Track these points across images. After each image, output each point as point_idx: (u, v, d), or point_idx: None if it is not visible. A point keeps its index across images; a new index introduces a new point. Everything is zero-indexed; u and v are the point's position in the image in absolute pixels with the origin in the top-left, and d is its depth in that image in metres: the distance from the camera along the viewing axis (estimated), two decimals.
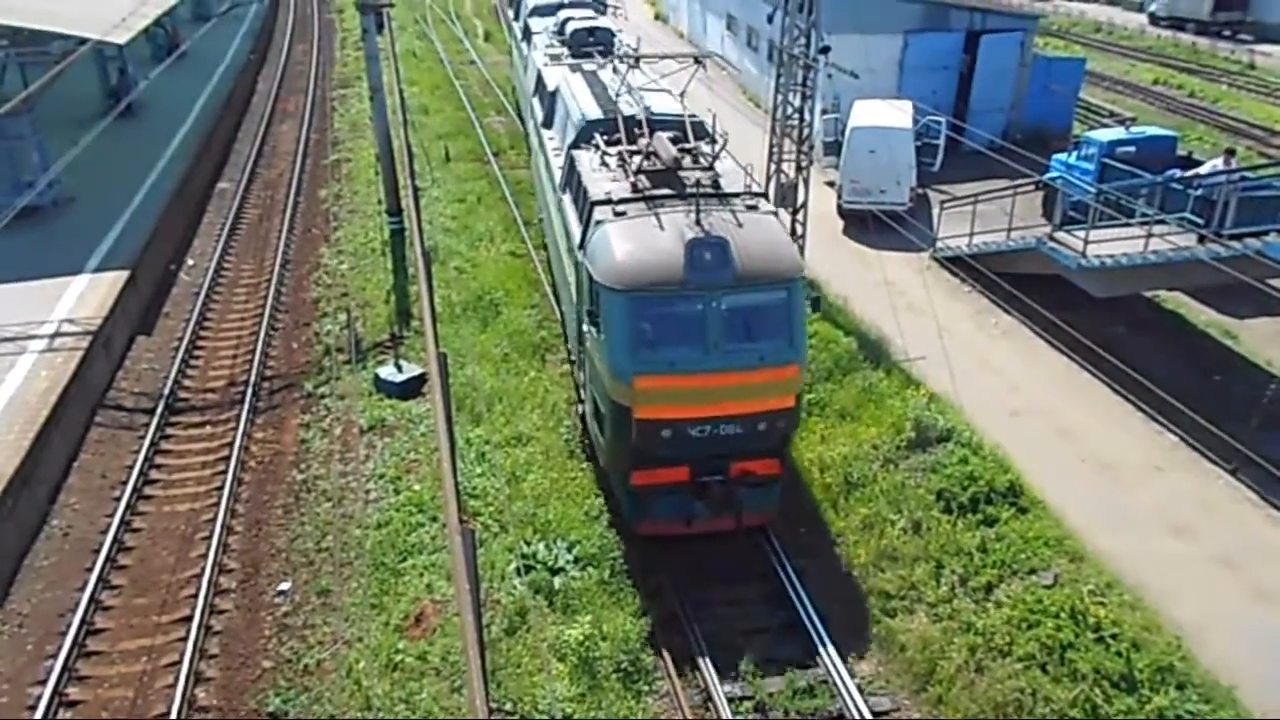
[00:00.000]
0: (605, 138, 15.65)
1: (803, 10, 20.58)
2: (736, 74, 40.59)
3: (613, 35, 23.68)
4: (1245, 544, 13.70)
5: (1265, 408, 15.51)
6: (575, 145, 16.01)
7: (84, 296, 18.98)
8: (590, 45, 23.02)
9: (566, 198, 15.62)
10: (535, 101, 22.21)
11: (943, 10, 30.35)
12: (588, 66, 20.47)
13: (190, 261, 23.42)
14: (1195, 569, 13.15)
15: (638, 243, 12.43)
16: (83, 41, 23.75)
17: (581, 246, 13.46)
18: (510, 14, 38.41)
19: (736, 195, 13.56)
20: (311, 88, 39.54)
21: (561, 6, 29.29)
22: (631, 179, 13.86)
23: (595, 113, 16.66)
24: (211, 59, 39.69)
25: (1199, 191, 17.48)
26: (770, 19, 22.32)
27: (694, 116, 16.31)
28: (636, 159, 14.46)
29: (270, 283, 21.84)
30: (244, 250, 24.42)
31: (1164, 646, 11.41)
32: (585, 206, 13.67)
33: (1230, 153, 19.42)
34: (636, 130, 15.37)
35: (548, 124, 19.68)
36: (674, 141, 14.88)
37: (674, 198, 13.30)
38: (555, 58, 22.49)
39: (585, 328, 13.44)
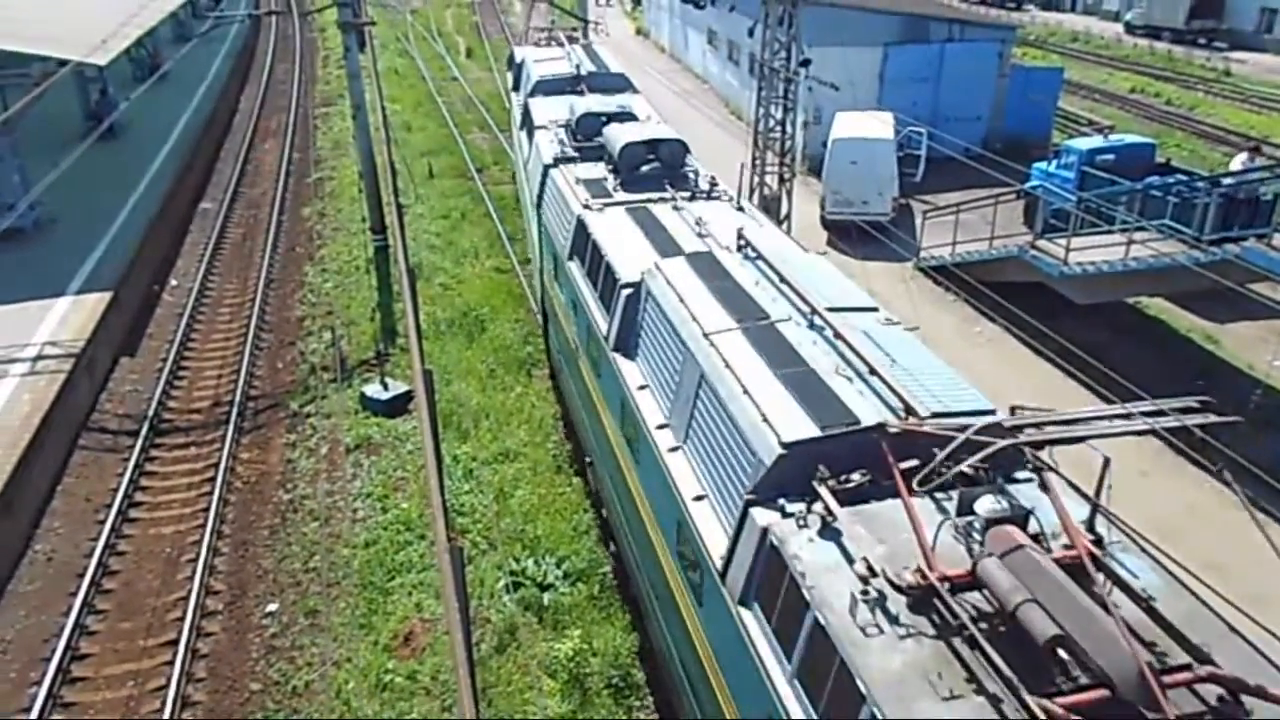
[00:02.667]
0: (837, 480, 7.11)
1: (783, 24, 20.75)
2: (719, 88, 40.80)
3: (686, 151, 15.39)
4: (1232, 547, 13.76)
5: (1251, 412, 15.62)
6: (761, 496, 7.42)
7: (66, 319, 18.85)
8: (651, 164, 15.09)
9: (762, 634, 7.13)
10: (575, 271, 13.44)
11: (921, 22, 30.65)
12: (685, 239, 12.24)
13: (174, 282, 23.31)
14: (1183, 574, 13.19)
15: None
16: (63, 63, 23.67)
17: None
18: (509, 80, 28.15)
19: None
20: (294, 106, 39.51)
21: (578, 80, 21.41)
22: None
23: (803, 425, 7.64)
24: (193, 79, 39.61)
25: (1226, 190, 17.29)
26: (751, 33, 22.49)
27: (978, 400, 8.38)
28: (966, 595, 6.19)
29: (254, 302, 21.75)
30: (228, 269, 24.33)
31: None
32: None
33: (1256, 150, 19.24)
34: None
35: (624, 348, 11.22)
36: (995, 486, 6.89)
37: None
38: (594, 186, 14.44)
39: None
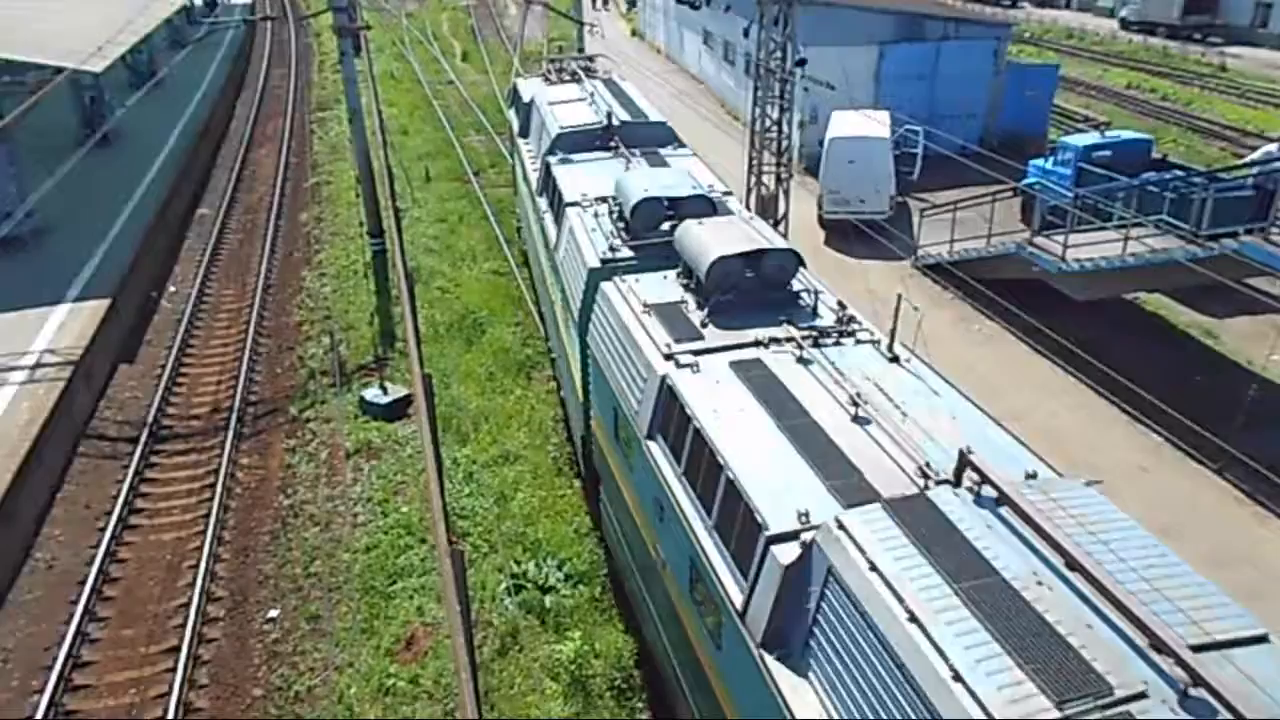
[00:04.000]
0: None
1: (778, 24, 20.74)
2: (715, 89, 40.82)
3: (799, 263, 11.12)
4: (1233, 543, 13.79)
5: (1249, 407, 15.63)
6: None
7: (64, 326, 18.84)
8: (748, 280, 10.81)
9: None
10: (662, 463, 9.38)
11: (917, 21, 30.68)
12: (845, 435, 8.23)
13: (171, 288, 23.29)
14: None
15: None
16: (58, 70, 23.69)
17: None
18: (513, 122, 23.48)
19: None
20: (290, 111, 39.51)
21: (610, 132, 17.07)
22: None
23: None
24: (189, 85, 39.61)
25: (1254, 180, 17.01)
26: (746, 33, 22.50)
27: None
28: None
29: (252, 307, 21.74)
30: (225, 275, 24.31)
31: None
32: None
33: None
34: None
35: (782, 646, 7.14)
36: None
37: None
38: (674, 320, 10.36)
39: None
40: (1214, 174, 18.86)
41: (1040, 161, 24.16)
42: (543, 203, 16.66)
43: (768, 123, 21.91)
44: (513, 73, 41.69)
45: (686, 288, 11.27)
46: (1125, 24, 55.84)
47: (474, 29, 57.91)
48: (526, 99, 21.21)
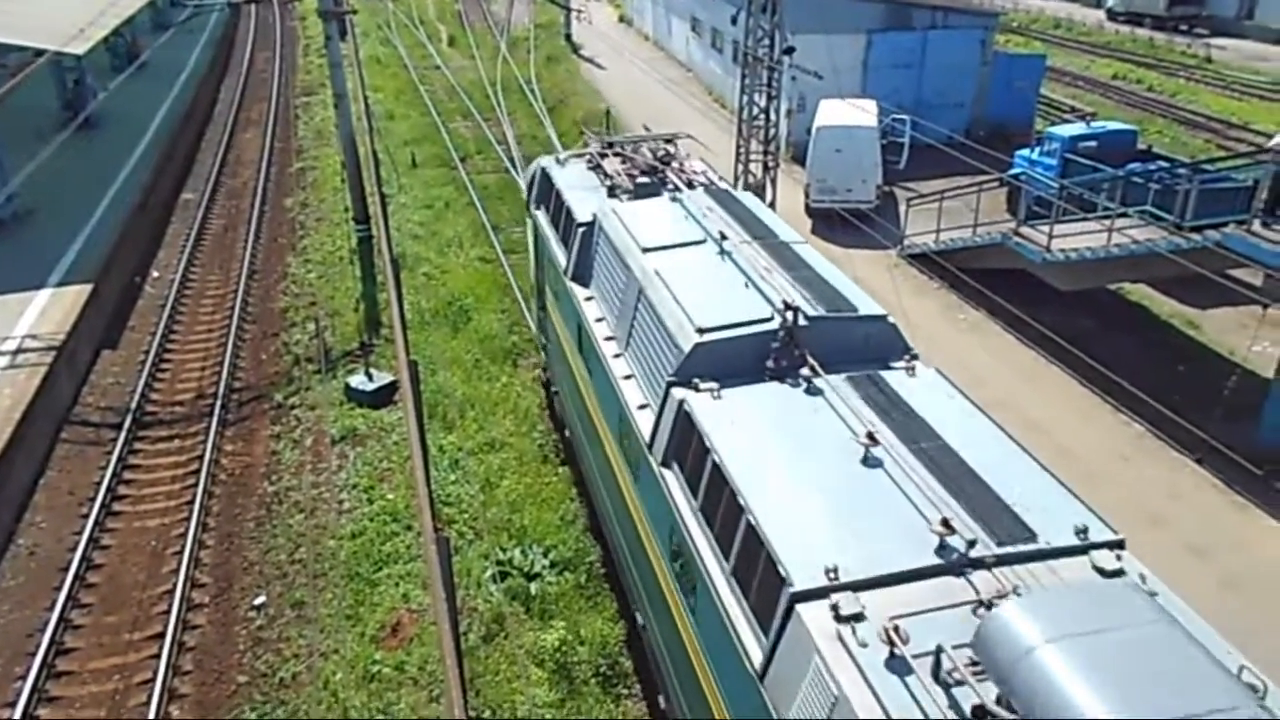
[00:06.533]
0: None
1: (766, 11, 20.73)
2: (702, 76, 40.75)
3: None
4: (1212, 531, 13.94)
5: (1228, 397, 15.78)
6: None
7: (46, 311, 18.70)
8: None
9: None
10: None
11: (905, 10, 30.68)
12: None
13: (155, 273, 23.14)
14: (1165, 558, 13.31)
15: None
16: (40, 53, 23.44)
17: None
18: (555, 253, 13.69)
19: None
20: (275, 96, 39.22)
21: (791, 341, 8.88)
22: None
23: None
24: (172, 68, 39.26)
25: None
26: (734, 20, 22.47)
27: None
28: None
29: (237, 293, 21.63)
30: (210, 261, 24.16)
31: None
32: None
33: None
34: None
35: None
36: None
37: None
38: None
39: None
40: (1198, 165, 18.97)
41: (1026, 152, 24.24)
42: (684, 504, 8.46)
43: (755, 111, 21.92)
44: (498, 59, 41.55)
45: None
46: (1112, 15, 55.94)
47: (460, 14, 57.56)
48: (582, 216, 12.76)
